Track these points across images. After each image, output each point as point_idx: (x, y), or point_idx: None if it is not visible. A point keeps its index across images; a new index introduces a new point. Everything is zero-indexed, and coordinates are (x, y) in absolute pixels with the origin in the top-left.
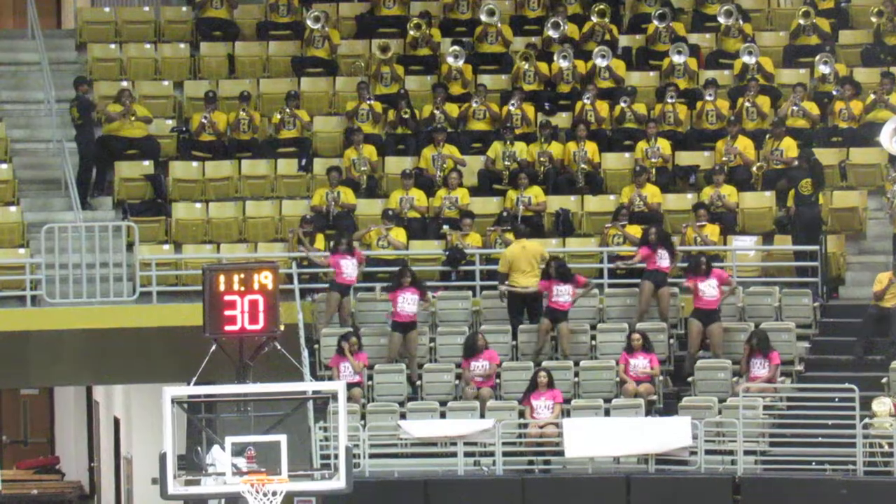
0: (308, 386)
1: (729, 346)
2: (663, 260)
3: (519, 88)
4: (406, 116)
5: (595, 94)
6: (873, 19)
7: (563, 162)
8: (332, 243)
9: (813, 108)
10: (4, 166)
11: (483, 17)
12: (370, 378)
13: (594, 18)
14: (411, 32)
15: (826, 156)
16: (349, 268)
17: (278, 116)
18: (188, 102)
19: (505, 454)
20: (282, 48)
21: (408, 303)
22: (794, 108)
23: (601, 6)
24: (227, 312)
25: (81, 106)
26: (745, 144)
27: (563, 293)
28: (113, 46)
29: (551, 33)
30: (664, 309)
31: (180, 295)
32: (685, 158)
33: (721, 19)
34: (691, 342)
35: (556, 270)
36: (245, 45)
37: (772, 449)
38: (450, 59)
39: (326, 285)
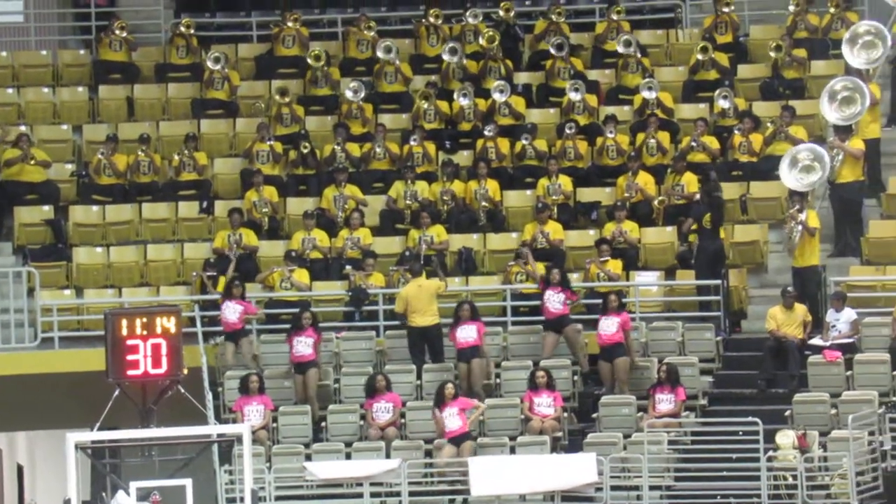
0: (212, 429)
1: (632, 381)
2: (556, 302)
3: (420, 127)
4: (306, 152)
5: (496, 130)
6: (772, 54)
7: (465, 200)
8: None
9: (713, 143)
10: None
11: (380, 55)
12: (275, 420)
13: (482, 42)
14: (310, 61)
15: (727, 190)
16: (227, 312)
17: (177, 159)
18: (87, 146)
19: (411, 493)
20: (181, 90)
21: (303, 345)
22: (694, 143)
23: (490, 33)
24: (130, 357)
25: None
26: (645, 180)
27: (468, 331)
28: (10, 91)
29: (446, 58)
30: (575, 349)
31: (82, 340)
32: (587, 195)
33: (620, 48)
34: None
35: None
36: (144, 87)
37: (677, 483)
38: (348, 94)
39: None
